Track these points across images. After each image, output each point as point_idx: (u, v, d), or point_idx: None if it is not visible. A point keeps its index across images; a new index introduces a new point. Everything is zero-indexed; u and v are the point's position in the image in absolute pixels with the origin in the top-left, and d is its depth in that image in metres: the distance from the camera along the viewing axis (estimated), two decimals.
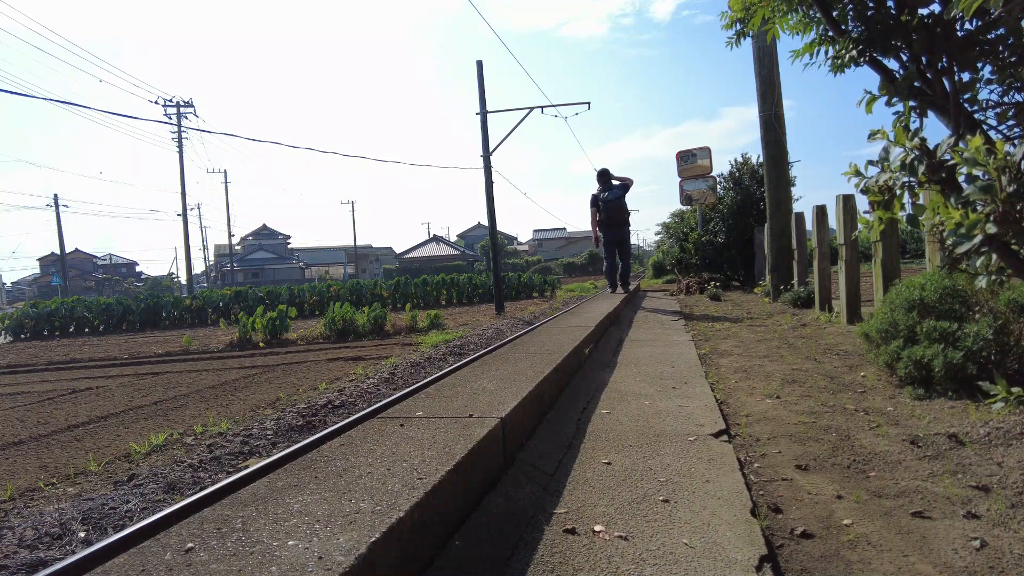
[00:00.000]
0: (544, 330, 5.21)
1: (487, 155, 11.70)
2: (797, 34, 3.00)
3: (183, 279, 46.90)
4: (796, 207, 9.18)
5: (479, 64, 11.49)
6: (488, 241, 12.56)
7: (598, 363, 4.26)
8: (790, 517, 1.78)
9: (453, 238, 72.54)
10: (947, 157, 2.22)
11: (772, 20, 3.05)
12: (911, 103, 2.59)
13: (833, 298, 6.61)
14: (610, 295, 9.13)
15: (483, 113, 11.53)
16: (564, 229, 70.86)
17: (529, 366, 3.22)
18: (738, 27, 3.28)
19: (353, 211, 59.47)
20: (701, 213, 14.37)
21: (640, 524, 1.67)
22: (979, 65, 2.50)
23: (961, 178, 2.22)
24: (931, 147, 2.29)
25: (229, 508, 1.46)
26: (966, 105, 2.55)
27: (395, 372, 5.21)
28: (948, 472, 2.00)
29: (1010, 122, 2.57)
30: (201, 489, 2.43)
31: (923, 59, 2.59)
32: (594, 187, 8.92)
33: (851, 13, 2.68)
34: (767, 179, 9.01)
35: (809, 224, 7.07)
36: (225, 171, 43.63)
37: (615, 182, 8.80)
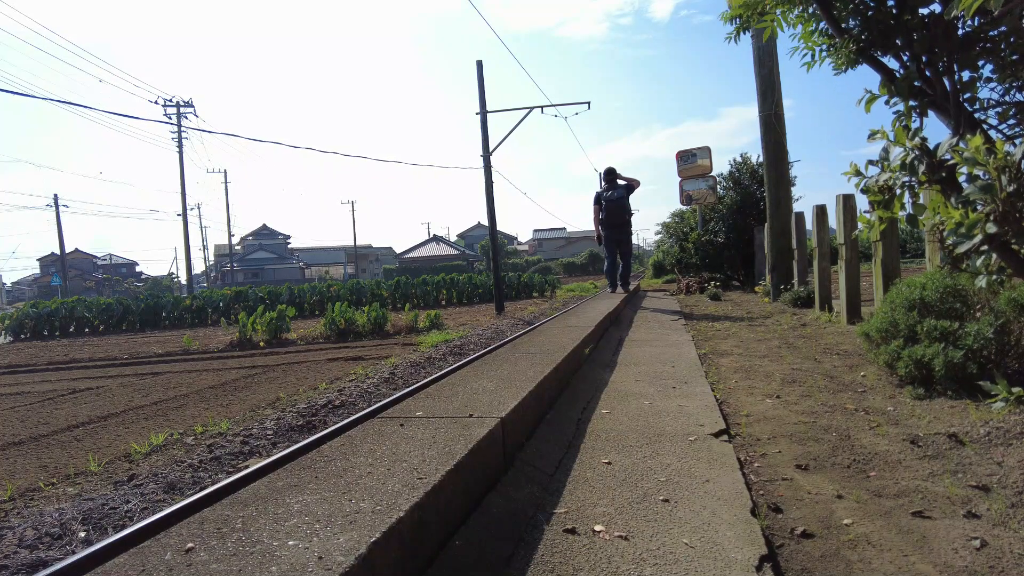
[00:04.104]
0: (544, 330, 5.21)
1: (487, 155, 11.71)
2: (798, 26, 2.99)
3: (183, 279, 46.89)
4: (796, 207, 9.19)
5: (479, 64, 11.50)
6: (488, 241, 12.56)
7: (598, 363, 4.26)
8: (790, 517, 1.78)
9: (453, 238, 72.48)
10: (947, 157, 2.22)
11: (770, 15, 3.05)
12: (911, 103, 2.59)
13: (833, 298, 6.61)
14: (610, 295, 9.12)
15: (483, 113, 11.54)
16: (564, 229, 70.84)
17: (529, 366, 3.22)
18: (737, 22, 3.28)
19: (353, 211, 59.48)
20: (701, 213, 14.36)
21: (640, 524, 1.67)
22: (980, 64, 2.50)
23: (961, 178, 2.22)
24: (931, 147, 2.29)
25: (229, 508, 1.46)
26: (967, 104, 2.55)
27: (395, 372, 5.21)
28: (948, 472, 2.00)
29: (1011, 121, 2.57)
30: (201, 489, 2.43)
31: (923, 58, 2.59)
32: (598, 186, 8.99)
33: (851, 12, 2.68)
34: (767, 179, 9.01)
35: (809, 224, 7.08)
36: (225, 171, 43.58)
37: (621, 182, 8.82)
